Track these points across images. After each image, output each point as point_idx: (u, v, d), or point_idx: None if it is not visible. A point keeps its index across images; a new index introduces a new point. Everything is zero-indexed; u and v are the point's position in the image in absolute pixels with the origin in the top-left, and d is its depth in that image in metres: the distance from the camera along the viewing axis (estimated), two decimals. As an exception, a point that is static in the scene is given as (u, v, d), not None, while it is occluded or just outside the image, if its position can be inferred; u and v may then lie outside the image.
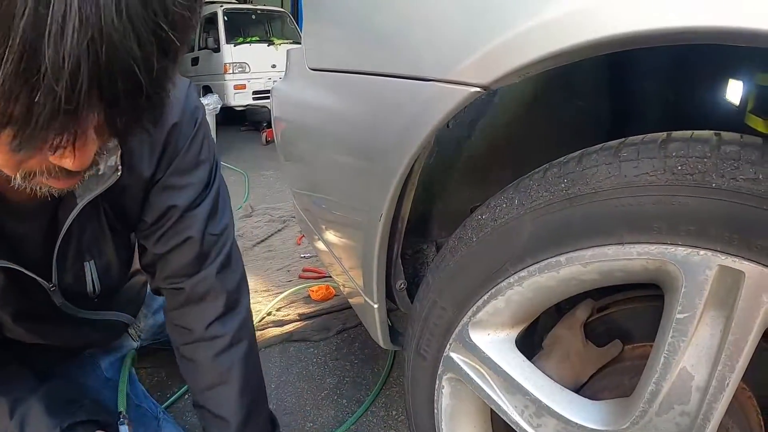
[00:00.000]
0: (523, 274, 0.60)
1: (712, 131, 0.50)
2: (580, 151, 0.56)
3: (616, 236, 0.51)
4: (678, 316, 0.49)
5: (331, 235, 1.10)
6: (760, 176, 0.43)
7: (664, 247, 0.48)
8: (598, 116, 0.96)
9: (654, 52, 0.60)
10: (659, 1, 0.39)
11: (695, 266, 0.47)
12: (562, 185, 0.54)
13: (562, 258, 0.55)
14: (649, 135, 0.51)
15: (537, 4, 0.47)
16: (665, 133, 0.51)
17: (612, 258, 0.52)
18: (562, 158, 0.57)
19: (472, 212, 0.70)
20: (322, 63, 0.97)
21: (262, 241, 2.19)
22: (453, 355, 0.73)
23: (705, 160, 0.45)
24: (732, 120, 0.61)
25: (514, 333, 0.71)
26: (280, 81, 1.31)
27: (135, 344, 1.24)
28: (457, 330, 0.71)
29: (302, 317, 1.65)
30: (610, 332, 0.74)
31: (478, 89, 0.54)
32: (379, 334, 0.96)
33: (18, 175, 0.47)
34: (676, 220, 0.47)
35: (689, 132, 0.50)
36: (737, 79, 0.63)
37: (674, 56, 0.74)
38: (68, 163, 0.44)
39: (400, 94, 0.68)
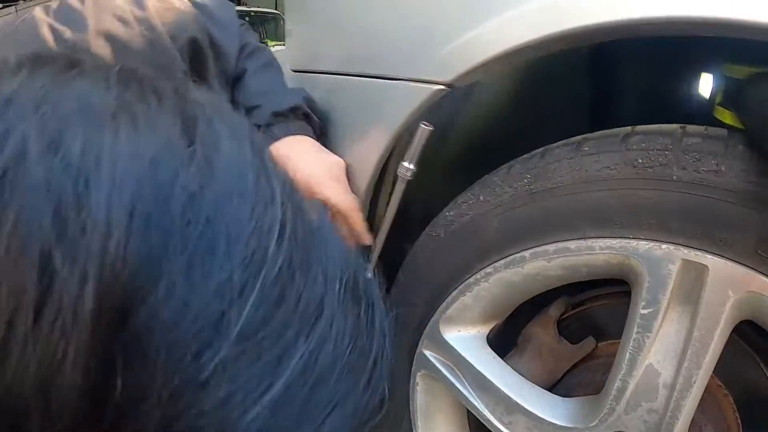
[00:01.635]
0: (488, 270, 0.56)
1: (677, 124, 0.46)
2: (543, 147, 0.52)
3: (579, 231, 0.47)
4: (642, 311, 0.45)
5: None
6: (723, 168, 0.39)
7: (626, 241, 0.44)
8: (580, 111, 0.92)
9: (633, 44, 0.57)
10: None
11: (658, 261, 0.43)
12: (525, 180, 0.50)
13: (526, 253, 0.52)
14: (614, 129, 0.48)
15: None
16: (630, 128, 0.47)
17: (575, 253, 0.48)
18: (527, 154, 0.53)
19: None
20: (303, 65, 0.94)
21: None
22: (426, 352, 0.70)
23: (666, 152, 0.42)
24: (705, 112, 0.57)
25: (486, 329, 0.68)
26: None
27: None
28: (428, 327, 0.68)
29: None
30: (584, 329, 0.70)
31: (443, 87, 0.51)
32: None
33: None
34: (637, 214, 0.43)
35: (655, 125, 0.46)
36: (708, 71, 0.59)
37: (654, 49, 0.71)
38: None
39: (374, 94, 0.65)
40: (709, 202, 0.40)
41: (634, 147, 0.43)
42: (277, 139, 0.68)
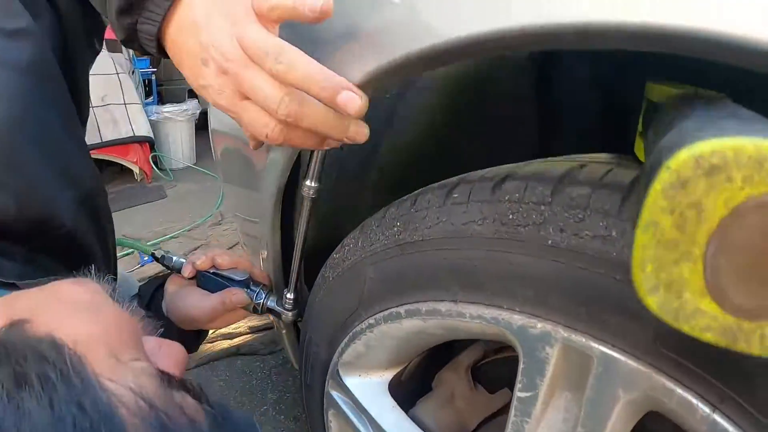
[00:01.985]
0: (371, 321, 0.47)
1: (577, 163, 0.35)
2: (422, 188, 0.41)
3: (450, 292, 0.37)
4: (519, 394, 0.35)
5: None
6: (614, 233, 0.28)
7: (498, 312, 0.34)
8: (524, 122, 0.81)
9: (580, 56, 0.46)
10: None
11: (533, 340, 0.33)
12: (395, 229, 0.40)
13: (402, 310, 0.42)
14: (496, 168, 0.37)
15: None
16: (513, 167, 0.36)
17: (446, 316, 0.38)
18: (405, 196, 0.42)
19: None
20: None
21: (228, 249, 2.06)
22: (333, 392, 0.62)
23: (542, 207, 0.31)
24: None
25: (389, 374, 0.59)
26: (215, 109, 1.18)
27: None
28: (330, 368, 0.60)
29: (252, 330, 1.51)
30: (501, 378, 0.61)
31: None
32: (291, 356, 0.89)
33: None
34: (509, 281, 0.32)
35: (542, 166, 0.35)
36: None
37: (599, 62, 0.60)
38: None
39: None
40: (595, 278, 0.29)
41: (506, 198, 0.32)
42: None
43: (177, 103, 3.39)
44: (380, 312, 0.45)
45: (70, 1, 0.53)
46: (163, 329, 0.57)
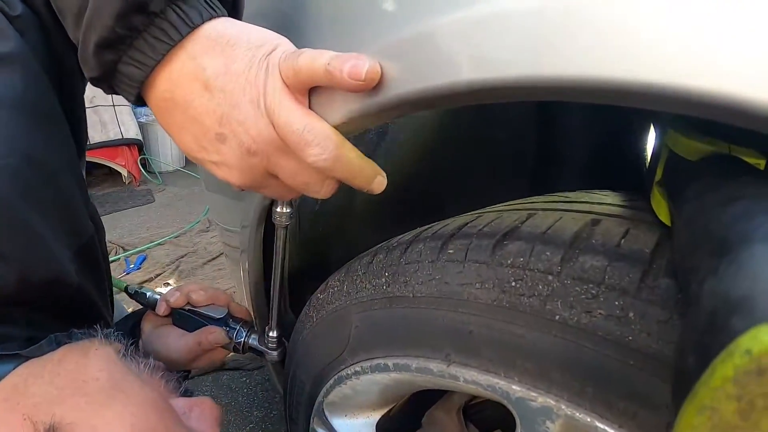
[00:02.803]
0: (357, 368, 0.43)
1: (589, 218, 0.31)
2: (416, 232, 0.37)
3: (442, 352, 0.33)
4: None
5: (234, 281, 0.96)
6: (631, 315, 0.24)
7: (495, 379, 0.30)
8: (517, 155, 0.78)
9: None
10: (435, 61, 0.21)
11: (532, 413, 0.29)
12: (383, 280, 0.36)
13: (390, 363, 0.38)
14: (503, 216, 0.33)
15: None
16: (515, 219, 0.32)
17: (438, 376, 0.34)
18: (395, 240, 0.38)
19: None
20: None
21: (214, 258, 2.00)
22: (317, 428, 0.59)
23: (550, 277, 0.27)
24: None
25: (376, 415, 0.56)
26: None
27: None
28: (315, 406, 0.56)
29: (238, 344, 1.47)
30: (494, 417, 0.58)
31: None
32: (276, 382, 0.85)
33: None
34: (509, 351, 0.29)
35: (552, 217, 0.31)
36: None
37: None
38: None
39: None
40: (606, 360, 0.25)
41: (509, 261, 0.28)
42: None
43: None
44: (367, 361, 0.41)
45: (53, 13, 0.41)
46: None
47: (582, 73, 0.18)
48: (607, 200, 0.39)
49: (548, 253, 0.27)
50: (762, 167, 0.25)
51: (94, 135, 2.77)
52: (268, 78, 0.28)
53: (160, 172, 3.17)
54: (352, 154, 0.29)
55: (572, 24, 0.18)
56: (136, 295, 0.61)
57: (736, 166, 0.25)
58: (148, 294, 0.61)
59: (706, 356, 0.10)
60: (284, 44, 0.29)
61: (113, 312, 0.65)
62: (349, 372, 0.45)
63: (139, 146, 3.00)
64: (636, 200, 0.37)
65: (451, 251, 0.31)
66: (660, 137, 0.40)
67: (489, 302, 0.29)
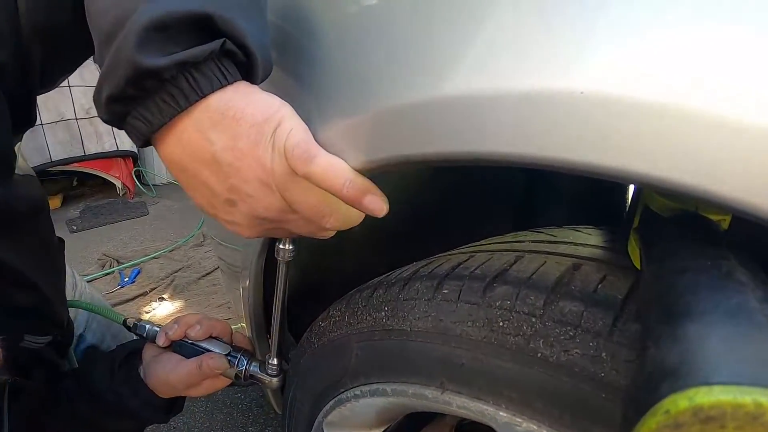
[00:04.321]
0: (356, 392, 0.46)
1: (571, 263, 0.35)
2: (413, 269, 0.41)
3: (437, 380, 0.36)
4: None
5: (230, 296, 0.98)
6: (603, 354, 0.28)
7: (484, 406, 0.33)
8: (509, 188, 0.83)
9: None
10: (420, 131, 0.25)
11: (520, 441, 0.33)
12: (383, 314, 0.39)
13: (388, 388, 0.41)
14: (493, 258, 0.37)
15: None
16: (511, 256, 0.36)
17: (432, 402, 0.37)
18: (394, 275, 0.42)
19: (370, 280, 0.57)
20: None
21: (209, 273, 2.01)
22: None
23: (533, 319, 0.31)
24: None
25: None
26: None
27: None
28: (315, 426, 0.59)
29: (232, 359, 1.48)
30: None
31: None
32: (273, 402, 0.87)
33: None
34: (496, 382, 0.32)
35: (537, 262, 0.35)
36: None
37: None
38: None
39: None
40: (582, 393, 0.29)
41: (497, 304, 0.32)
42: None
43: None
44: (366, 385, 0.45)
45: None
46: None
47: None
48: (589, 241, 0.43)
49: (532, 297, 0.31)
50: (727, 224, 0.29)
51: (90, 146, 2.78)
52: (275, 160, 0.29)
53: (154, 185, 3.19)
54: (360, 210, 0.31)
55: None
56: (135, 328, 0.62)
57: (701, 225, 0.29)
58: (147, 327, 0.62)
59: (640, 410, 0.14)
60: (287, 117, 0.30)
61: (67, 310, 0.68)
62: (348, 395, 0.48)
63: (134, 158, 3.01)
64: (615, 241, 0.41)
65: (445, 291, 0.35)
66: (637, 187, 0.44)
67: (479, 339, 0.32)
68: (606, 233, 0.45)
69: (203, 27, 0.27)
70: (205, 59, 0.28)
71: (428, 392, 0.38)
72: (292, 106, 0.31)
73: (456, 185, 0.76)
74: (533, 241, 0.42)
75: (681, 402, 0.13)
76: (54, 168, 2.74)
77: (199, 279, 1.95)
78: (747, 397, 0.12)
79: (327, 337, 0.49)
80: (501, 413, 0.33)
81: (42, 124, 2.67)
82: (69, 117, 2.72)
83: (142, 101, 0.29)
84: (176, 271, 2.02)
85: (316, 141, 0.30)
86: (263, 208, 0.31)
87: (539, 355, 0.30)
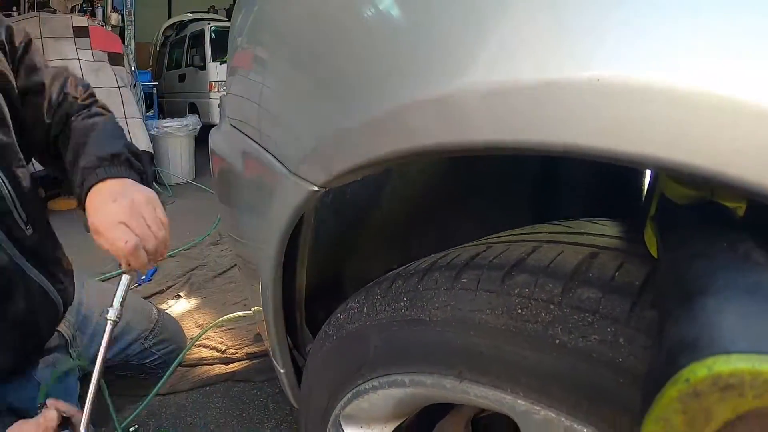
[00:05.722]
0: (375, 383, 0.47)
1: (588, 251, 0.35)
2: (430, 261, 0.42)
3: (455, 369, 0.37)
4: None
5: (249, 292, 0.99)
6: (621, 340, 0.29)
7: (503, 395, 0.34)
8: (519, 181, 0.83)
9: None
10: (469, 116, 0.26)
11: (536, 425, 0.33)
12: (402, 304, 0.40)
13: (406, 379, 0.42)
14: (511, 249, 0.37)
15: (356, 107, 0.34)
16: (529, 246, 0.37)
17: (451, 391, 0.38)
18: (412, 267, 0.43)
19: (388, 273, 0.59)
20: (235, 121, 0.86)
21: (225, 271, 2.03)
22: None
23: (551, 306, 0.31)
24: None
25: (390, 427, 0.59)
26: (215, 129, 1.20)
27: (73, 363, 1.07)
28: (331, 419, 0.60)
29: (249, 356, 1.50)
30: (504, 428, 0.61)
31: (317, 188, 0.43)
32: (290, 395, 0.87)
33: None
34: (515, 370, 0.33)
35: (554, 251, 0.36)
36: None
37: None
38: None
39: (272, 172, 0.56)
40: (600, 377, 0.29)
41: (516, 291, 0.33)
42: (101, 180, 0.78)
43: (177, 117, 3.41)
44: (384, 376, 0.46)
45: None
46: None
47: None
48: (606, 231, 0.43)
49: (550, 285, 0.32)
50: (742, 211, 0.30)
51: (106, 147, 2.84)
52: None
53: (170, 185, 3.24)
54: None
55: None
56: None
57: (718, 212, 0.29)
58: None
59: (661, 381, 0.15)
60: None
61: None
62: (367, 387, 0.49)
63: (150, 158, 3.06)
64: (632, 231, 0.42)
65: (464, 280, 0.36)
66: (654, 176, 0.44)
67: (498, 327, 0.33)
68: (621, 224, 0.45)
69: None
70: None
71: (446, 382, 0.39)
72: None
73: (470, 180, 0.77)
74: (550, 233, 0.43)
75: (700, 371, 0.13)
76: (72, 169, 2.80)
77: (215, 277, 1.98)
78: (766, 365, 0.13)
79: (345, 329, 0.50)
80: (519, 401, 0.34)
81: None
82: (86, 119, 2.78)
83: None
84: (193, 269, 2.05)
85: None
86: None
87: (558, 341, 0.30)
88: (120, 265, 0.79)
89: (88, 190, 0.78)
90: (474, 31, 0.26)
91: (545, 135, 0.23)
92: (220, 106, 1.16)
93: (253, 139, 0.67)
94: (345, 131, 0.36)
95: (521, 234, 0.44)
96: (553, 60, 0.23)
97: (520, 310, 0.32)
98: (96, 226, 0.75)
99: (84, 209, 0.80)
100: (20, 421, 0.72)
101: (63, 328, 1.06)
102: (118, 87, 2.94)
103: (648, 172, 0.69)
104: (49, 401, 0.79)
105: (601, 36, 0.22)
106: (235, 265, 2.06)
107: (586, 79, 0.22)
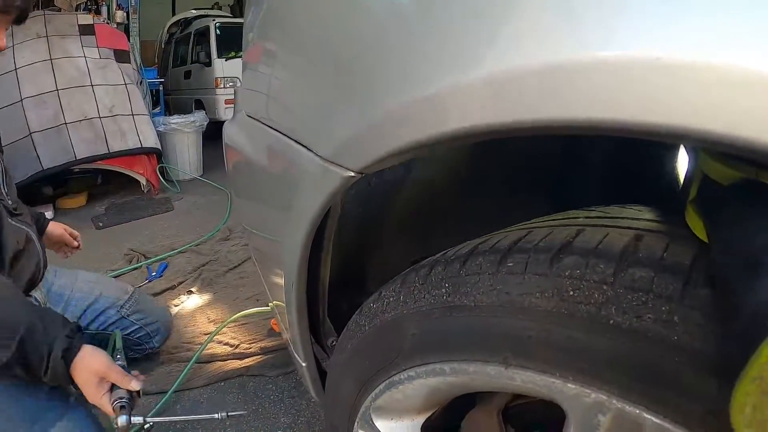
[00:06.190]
0: (411, 373, 0.47)
1: (632, 233, 0.36)
2: (473, 245, 0.42)
3: (500, 356, 0.37)
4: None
5: (267, 285, 1.00)
6: (676, 318, 0.29)
7: (552, 380, 0.35)
8: (542, 170, 0.83)
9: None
10: (518, 94, 0.26)
11: (585, 408, 0.34)
12: (443, 290, 0.40)
13: (446, 367, 0.42)
14: (554, 232, 0.38)
15: (396, 90, 0.35)
16: (573, 230, 0.37)
17: (495, 378, 0.38)
18: (451, 252, 0.43)
19: (413, 265, 0.59)
20: (254, 112, 0.86)
21: (236, 266, 2.04)
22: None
23: (604, 287, 0.31)
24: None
25: (421, 418, 0.60)
26: (229, 120, 1.20)
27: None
28: (360, 411, 0.60)
29: (263, 351, 1.51)
30: (536, 419, 0.62)
31: (353, 174, 0.42)
32: (311, 389, 0.87)
33: None
34: (565, 353, 0.33)
35: (600, 234, 0.36)
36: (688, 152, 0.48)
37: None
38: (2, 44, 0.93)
39: (299, 161, 0.57)
40: (654, 358, 0.30)
41: (566, 273, 0.33)
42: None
43: (184, 114, 3.42)
44: (422, 366, 0.46)
45: None
46: None
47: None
48: (643, 216, 0.43)
49: (602, 266, 0.32)
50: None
51: (114, 143, 2.86)
52: None
53: (178, 181, 3.26)
54: None
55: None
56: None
57: (763, 191, 0.29)
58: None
59: (751, 344, 0.15)
60: None
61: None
62: (402, 377, 0.49)
63: (157, 155, 3.08)
64: (668, 215, 0.42)
65: (510, 264, 0.36)
66: (694, 159, 0.44)
67: (548, 309, 0.33)
68: (654, 210, 0.45)
69: None
70: None
71: (490, 369, 0.39)
72: None
73: (489, 168, 0.77)
74: (588, 218, 0.43)
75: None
76: (77, 167, 2.82)
77: (226, 272, 1.99)
78: None
79: (379, 319, 0.50)
80: (569, 385, 0.34)
81: (66, 123, 2.75)
82: (92, 116, 2.80)
83: None
84: (203, 265, 2.06)
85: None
86: None
87: (611, 322, 0.31)
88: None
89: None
90: (534, 6, 0.27)
91: (614, 113, 0.23)
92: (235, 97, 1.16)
93: (276, 129, 0.68)
94: (389, 114, 0.36)
95: (558, 219, 0.44)
96: (614, 38, 0.24)
97: (571, 292, 0.32)
98: None
99: None
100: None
101: (38, 296, 1.21)
102: (125, 84, 2.95)
103: (681, 161, 0.68)
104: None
105: (666, 16, 0.22)
106: (247, 260, 2.07)
107: (650, 57, 0.22)
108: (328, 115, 0.47)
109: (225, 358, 1.52)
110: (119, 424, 0.84)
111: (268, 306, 1.78)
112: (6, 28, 0.95)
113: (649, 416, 0.31)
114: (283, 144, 0.62)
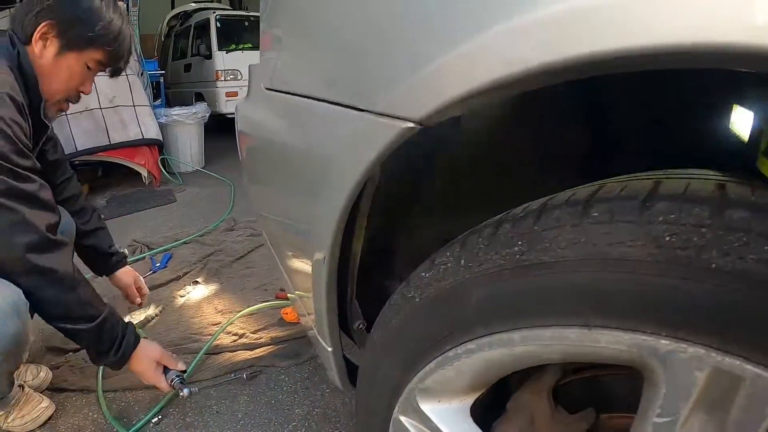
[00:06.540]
0: (471, 346, 0.45)
1: (714, 180, 0.35)
2: (542, 201, 0.41)
3: (581, 317, 0.36)
4: (656, 419, 0.34)
5: (288, 271, 0.97)
6: (780, 258, 0.28)
7: (642, 337, 0.33)
8: (579, 143, 0.82)
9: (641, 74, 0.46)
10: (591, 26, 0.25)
11: (681, 365, 0.32)
12: (516, 249, 0.39)
13: (516, 335, 0.41)
14: (630, 185, 0.37)
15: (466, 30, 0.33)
16: (650, 181, 0.36)
17: (575, 342, 0.37)
18: (519, 210, 0.42)
19: (444, 244, 0.57)
20: (275, 83, 0.84)
21: (242, 257, 2.01)
22: (402, 418, 0.59)
23: (703, 230, 0.31)
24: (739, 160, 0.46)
25: (470, 400, 0.57)
26: (243, 100, 1.18)
27: None
28: (404, 395, 0.57)
29: (274, 341, 1.49)
30: (584, 398, 0.60)
31: (412, 125, 0.41)
32: (336, 377, 0.84)
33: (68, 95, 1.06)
34: (660, 307, 0.32)
35: (682, 182, 0.35)
36: (747, 106, 0.47)
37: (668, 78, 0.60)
38: (87, 89, 1.09)
39: (339, 123, 0.55)
40: (756, 302, 0.29)
41: (659, 219, 0.32)
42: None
43: (185, 106, 3.39)
44: (485, 337, 0.44)
45: None
46: None
47: None
48: (709, 174, 0.43)
49: (696, 209, 0.31)
50: None
51: (115, 135, 2.83)
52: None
53: (180, 173, 3.23)
54: None
55: None
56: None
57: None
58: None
59: None
60: None
61: None
62: (458, 351, 0.47)
63: (159, 146, 3.05)
64: (734, 173, 0.41)
65: (595, 214, 0.35)
66: (760, 117, 0.44)
67: (642, 259, 0.32)
68: (714, 169, 0.44)
69: None
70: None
71: (571, 333, 0.37)
72: None
73: (522, 138, 0.75)
74: (656, 175, 0.42)
75: None
76: (78, 159, 2.79)
77: (232, 262, 1.96)
78: None
79: (434, 288, 0.48)
80: (662, 341, 0.33)
81: (66, 114, 2.72)
82: (93, 107, 2.77)
83: None
84: (208, 256, 2.04)
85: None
86: None
87: (713, 265, 0.30)
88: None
89: None
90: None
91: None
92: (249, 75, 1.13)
93: (308, 96, 0.65)
94: (451, 61, 0.35)
95: (623, 179, 0.43)
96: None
97: (668, 238, 0.31)
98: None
99: None
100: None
101: None
102: (126, 74, 2.92)
103: (737, 122, 0.67)
104: None
105: None
106: (253, 250, 2.05)
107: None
108: (378, 68, 0.46)
109: (234, 348, 1.50)
110: (185, 394, 1.16)
111: (276, 299, 1.76)
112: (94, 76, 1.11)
113: (750, 367, 0.30)
114: (320, 109, 0.61)
